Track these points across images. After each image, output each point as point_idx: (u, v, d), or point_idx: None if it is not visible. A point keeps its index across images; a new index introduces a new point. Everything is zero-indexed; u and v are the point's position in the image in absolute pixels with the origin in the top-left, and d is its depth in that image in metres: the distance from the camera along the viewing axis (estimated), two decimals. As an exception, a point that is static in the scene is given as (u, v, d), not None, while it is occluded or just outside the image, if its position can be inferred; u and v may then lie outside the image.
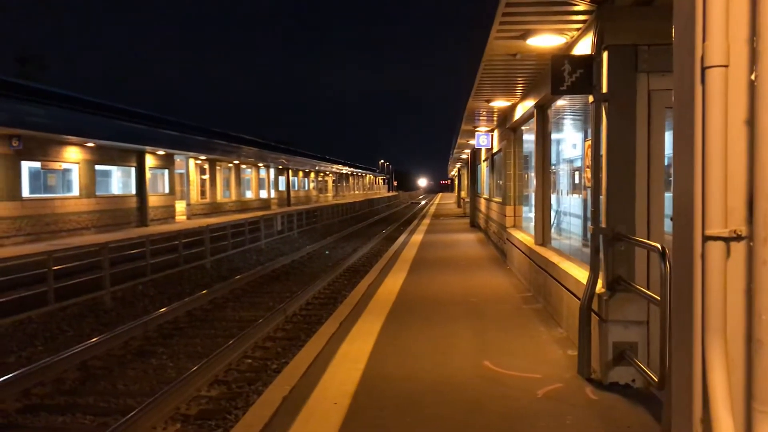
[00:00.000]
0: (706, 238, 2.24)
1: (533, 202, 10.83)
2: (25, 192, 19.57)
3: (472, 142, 21.14)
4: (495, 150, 18.34)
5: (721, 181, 2.22)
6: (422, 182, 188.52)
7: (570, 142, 9.28)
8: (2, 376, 8.15)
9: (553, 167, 10.14)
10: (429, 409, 5.10)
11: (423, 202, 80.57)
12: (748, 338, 2.21)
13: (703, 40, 2.21)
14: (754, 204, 2.17)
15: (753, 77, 2.15)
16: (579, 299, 6.14)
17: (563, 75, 5.96)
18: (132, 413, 6.78)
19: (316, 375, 6.01)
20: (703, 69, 2.22)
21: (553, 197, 10.08)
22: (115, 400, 7.84)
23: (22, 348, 10.42)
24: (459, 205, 50.56)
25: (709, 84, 2.21)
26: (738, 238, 2.22)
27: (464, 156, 34.52)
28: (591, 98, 5.99)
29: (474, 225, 26.57)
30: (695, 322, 2.30)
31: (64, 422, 7.15)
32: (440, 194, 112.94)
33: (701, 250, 2.27)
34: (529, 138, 12.47)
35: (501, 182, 16.18)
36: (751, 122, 2.17)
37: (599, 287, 5.80)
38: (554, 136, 10.01)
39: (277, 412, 5.07)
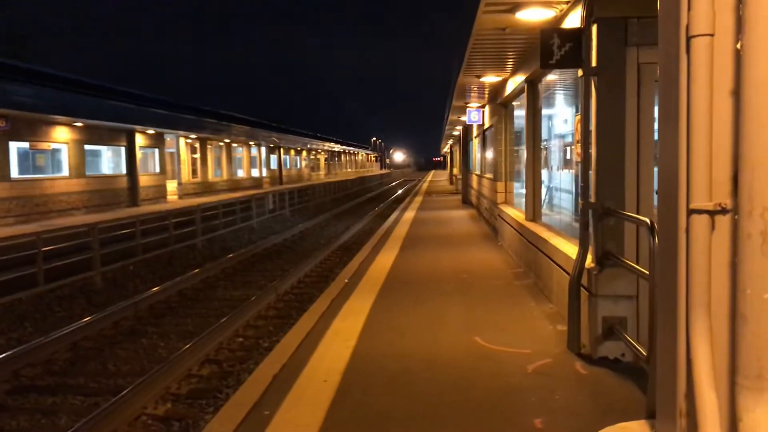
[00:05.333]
0: (691, 212, 2.21)
1: (524, 178, 10.79)
2: (14, 173, 19.38)
3: (464, 118, 21.03)
4: (486, 126, 18.26)
5: (706, 153, 2.18)
6: (401, 157, 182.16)
7: (561, 117, 9.22)
8: (-8, 358, 8.13)
9: (544, 143, 10.09)
10: (419, 386, 5.10)
11: (413, 181, 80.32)
12: (732, 313, 2.19)
13: (689, 9, 2.16)
14: (739, 177, 2.14)
15: (738, 46, 2.11)
16: (569, 274, 6.14)
17: (552, 49, 5.88)
18: (122, 393, 6.78)
19: (307, 353, 6.00)
20: (689, 38, 2.17)
21: (545, 173, 10.04)
22: (105, 380, 7.84)
23: (12, 329, 10.40)
24: (451, 182, 50.49)
25: (694, 54, 2.16)
26: (723, 211, 2.19)
27: (456, 132, 34.40)
28: (580, 72, 5.93)
29: (466, 202, 26.56)
30: (680, 297, 2.28)
31: (54, 403, 7.14)
32: (432, 171, 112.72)
33: (686, 224, 2.24)
34: (520, 114, 12.39)
35: (492, 158, 16.13)
36: (737, 93, 2.12)
37: (589, 262, 5.80)
38: (545, 111, 9.95)
39: (267, 390, 5.06)
